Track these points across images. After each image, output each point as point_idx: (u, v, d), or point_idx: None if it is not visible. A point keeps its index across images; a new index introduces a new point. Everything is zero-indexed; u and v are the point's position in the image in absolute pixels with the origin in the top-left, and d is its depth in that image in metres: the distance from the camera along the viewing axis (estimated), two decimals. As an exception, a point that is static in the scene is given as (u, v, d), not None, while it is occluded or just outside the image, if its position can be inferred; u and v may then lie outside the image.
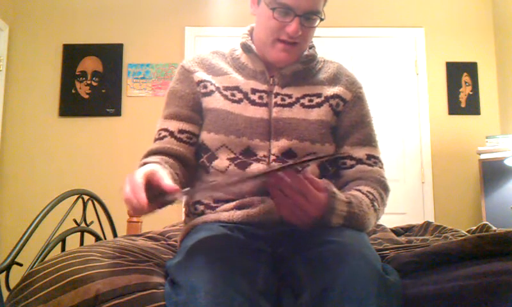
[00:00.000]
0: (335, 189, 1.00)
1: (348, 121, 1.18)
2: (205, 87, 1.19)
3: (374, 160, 1.17)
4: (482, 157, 3.27)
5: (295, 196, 0.91)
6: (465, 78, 3.73)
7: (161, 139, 1.17)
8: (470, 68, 3.74)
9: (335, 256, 0.87)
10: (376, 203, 1.09)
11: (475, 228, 1.68)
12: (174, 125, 1.17)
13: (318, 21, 1.13)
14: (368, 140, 1.19)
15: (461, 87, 3.72)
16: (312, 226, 0.96)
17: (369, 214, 1.06)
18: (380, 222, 1.83)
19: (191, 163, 1.16)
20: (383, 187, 1.15)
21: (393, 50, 3.76)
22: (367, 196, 1.09)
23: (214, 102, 1.16)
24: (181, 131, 1.16)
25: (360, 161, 1.16)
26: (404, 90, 3.71)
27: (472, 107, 3.71)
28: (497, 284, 0.93)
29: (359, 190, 1.09)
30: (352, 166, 1.16)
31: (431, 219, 2.91)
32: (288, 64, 1.17)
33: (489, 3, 3.83)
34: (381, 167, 1.18)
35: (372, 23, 3.77)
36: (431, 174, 3.62)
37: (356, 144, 1.17)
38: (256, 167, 1.10)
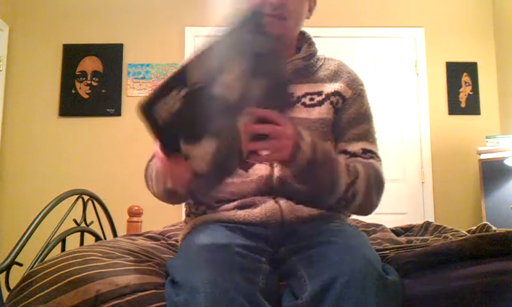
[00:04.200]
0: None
1: (346, 118, 1.16)
2: None
3: (370, 154, 1.13)
4: (482, 156, 3.27)
5: (273, 128, 0.89)
6: (465, 78, 3.73)
7: None
8: (470, 68, 3.74)
9: (334, 255, 0.87)
10: (351, 170, 1.03)
11: (475, 228, 1.68)
12: None
13: None
14: (365, 135, 1.15)
15: (461, 87, 3.72)
16: (291, 159, 0.93)
17: (338, 171, 1.01)
18: (380, 222, 1.84)
19: None
20: (376, 175, 1.09)
21: (393, 50, 3.76)
22: (347, 165, 1.04)
23: None
24: None
25: (354, 155, 1.12)
26: (404, 90, 3.71)
27: (472, 107, 3.71)
28: (497, 284, 0.93)
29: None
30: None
31: (431, 219, 2.91)
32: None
33: (489, 3, 3.83)
34: (378, 162, 1.14)
35: (372, 23, 3.76)
36: (431, 174, 3.62)
37: (352, 140, 1.14)
38: (258, 167, 1.09)
